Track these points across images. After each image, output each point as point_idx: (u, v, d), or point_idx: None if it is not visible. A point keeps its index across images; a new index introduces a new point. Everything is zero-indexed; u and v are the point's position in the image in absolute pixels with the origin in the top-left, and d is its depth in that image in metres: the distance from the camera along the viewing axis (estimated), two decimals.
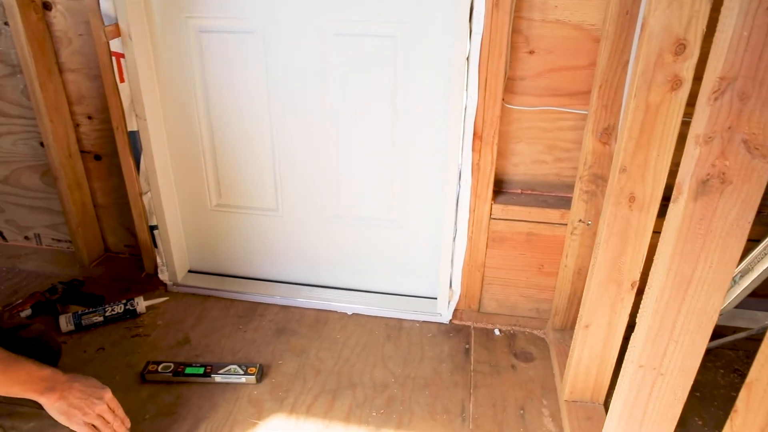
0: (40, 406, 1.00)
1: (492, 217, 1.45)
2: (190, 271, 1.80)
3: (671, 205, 0.78)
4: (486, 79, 1.30)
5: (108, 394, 1.06)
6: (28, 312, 1.63)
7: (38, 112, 1.61)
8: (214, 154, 1.62)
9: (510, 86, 1.34)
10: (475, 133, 1.36)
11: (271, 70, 1.47)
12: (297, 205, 1.63)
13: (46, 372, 1.00)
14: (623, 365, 0.94)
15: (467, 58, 1.28)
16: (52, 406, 0.97)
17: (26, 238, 1.97)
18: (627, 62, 1.15)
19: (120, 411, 1.08)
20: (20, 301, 1.65)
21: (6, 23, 1.55)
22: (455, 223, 1.47)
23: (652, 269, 0.84)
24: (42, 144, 1.70)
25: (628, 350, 0.92)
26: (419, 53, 1.37)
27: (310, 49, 1.42)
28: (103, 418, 1.02)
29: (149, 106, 1.52)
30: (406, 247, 1.62)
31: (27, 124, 1.71)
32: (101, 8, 1.40)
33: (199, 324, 1.60)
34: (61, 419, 0.98)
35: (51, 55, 1.58)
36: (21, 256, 1.93)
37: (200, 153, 1.62)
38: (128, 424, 1.09)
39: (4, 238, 1.99)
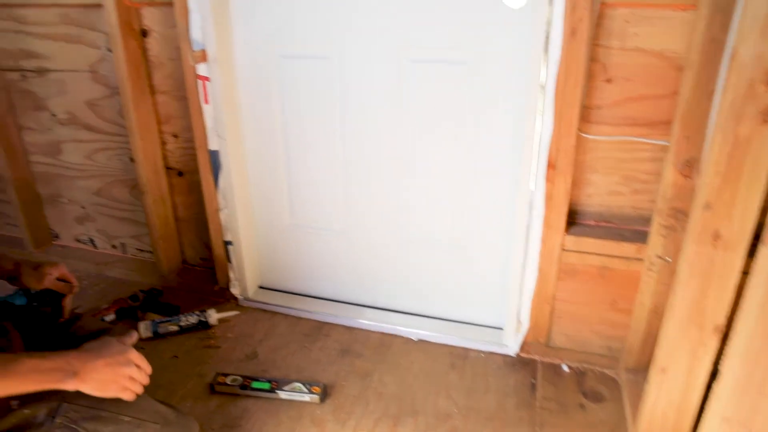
0: (119, 408, 1.04)
1: (564, 248, 1.41)
2: (260, 287, 1.86)
3: (761, 247, 0.73)
4: (561, 108, 1.27)
5: (132, 355, 0.99)
6: (112, 316, 1.74)
7: (131, 131, 1.73)
8: (288, 174, 1.67)
9: (586, 115, 1.31)
10: (548, 162, 1.33)
11: (347, 94, 1.50)
12: (366, 227, 1.65)
13: (58, 362, 0.92)
14: (705, 416, 0.88)
15: (542, 86, 1.26)
16: (82, 388, 0.93)
17: (113, 246, 2.10)
18: (712, 92, 1.09)
19: (143, 362, 1.02)
20: (106, 306, 1.77)
21: (109, 49, 1.68)
22: (525, 253, 1.44)
23: (741, 315, 0.78)
24: (132, 160, 1.81)
25: (711, 400, 0.86)
26: (493, 80, 1.37)
27: (384, 74, 1.45)
28: (133, 378, 0.99)
29: (230, 127, 1.60)
30: (474, 275, 1.60)
31: (120, 141, 1.84)
32: (191, 35, 1.49)
33: (266, 339, 1.64)
34: (96, 394, 0.97)
35: (145, 78, 1.70)
36: (108, 263, 2.06)
37: (276, 173, 1.68)
38: (149, 371, 1.04)
39: (94, 246, 2.14)
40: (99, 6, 1.61)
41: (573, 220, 1.43)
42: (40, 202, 2.12)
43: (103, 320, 1.71)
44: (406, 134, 1.50)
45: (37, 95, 1.90)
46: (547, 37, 1.22)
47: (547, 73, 1.25)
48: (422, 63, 1.41)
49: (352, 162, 1.58)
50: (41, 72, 1.86)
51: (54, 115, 1.91)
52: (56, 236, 2.18)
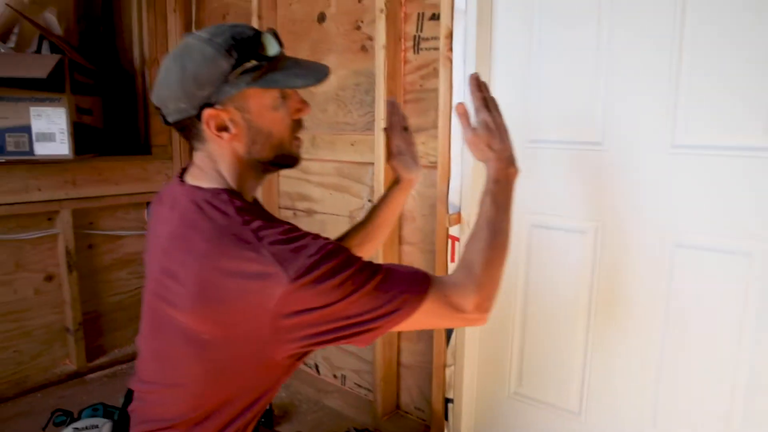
0: None
1: None
2: None
3: None
4: None
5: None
6: None
7: None
8: (522, 339, 1.61)
9: None
10: None
11: (599, 269, 1.44)
12: (604, 414, 1.48)
13: (506, 164, 1.07)
14: None
15: None
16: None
17: (335, 376, 2.20)
18: None
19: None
20: None
21: (369, 200, 1.88)
22: None
23: None
24: None
25: None
26: None
27: (644, 256, 1.36)
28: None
29: None
30: None
31: None
32: (449, 198, 1.60)
33: None
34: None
35: (396, 229, 1.84)
36: (327, 392, 2.15)
37: (509, 336, 1.63)
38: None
39: (318, 372, 2.27)
40: (370, 164, 1.83)
41: None
42: None
43: None
44: (665, 321, 1.35)
45: None
46: None
47: None
48: (693, 250, 1.30)
49: (595, 339, 1.47)
50: (309, 212, 2.14)
51: None
52: None
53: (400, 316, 0.84)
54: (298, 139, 0.97)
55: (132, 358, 2.47)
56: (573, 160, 1.46)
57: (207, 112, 0.86)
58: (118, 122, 2.56)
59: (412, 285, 0.86)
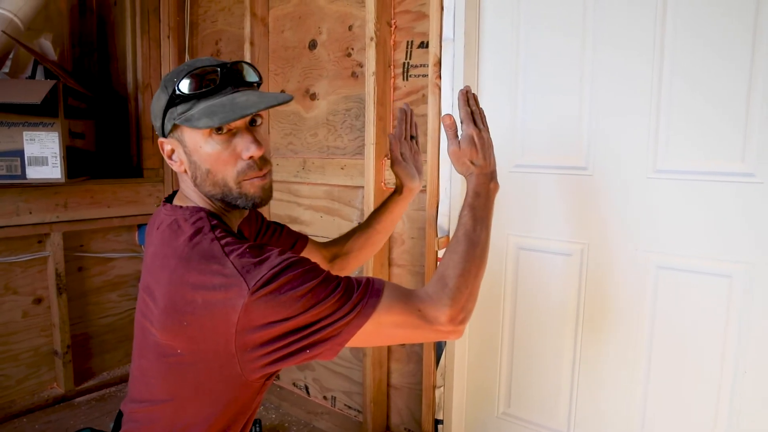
0: None
1: None
2: None
3: None
4: None
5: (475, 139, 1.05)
6: None
7: None
8: (511, 360, 1.63)
9: None
10: None
11: (585, 291, 1.47)
12: None
13: (486, 179, 1.05)
14: None
15: None
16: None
17: (324, 398, 2.20)
18: None
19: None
20: None
21: (359, 223, 1.90)
22: None
23: None
24: None
25: None
26: (761, 297, 1.23)
27: (629, 277, 1.40)
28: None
29: None
30: None
31: None
32: (438, 222, 1.63)
33: None
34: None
35: (386, 252, 1.86)
36: (317, 413, 2.15)
37: (497, 357, 1.65)
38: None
39: (308, 393, 2.26)
40: (360, 187, 1.86)
41: None
42: None
43: None
44: (648, 343, 1.39)
45: None
46: None
47: None
48: (676, 272, 1.33)
49: (583, 360, 1.50)
50: None
51: None
52: (278, 377, 2.37)
53: (360, 321, 0.82)
54: (257, 178, 0.91)
55: (121, 380, 2.45)
56: (559, 185, 1.50)
57: (159, 140, 0.95)
58: (111, 146, 2.58)
59: (369, 291, 0.84)
